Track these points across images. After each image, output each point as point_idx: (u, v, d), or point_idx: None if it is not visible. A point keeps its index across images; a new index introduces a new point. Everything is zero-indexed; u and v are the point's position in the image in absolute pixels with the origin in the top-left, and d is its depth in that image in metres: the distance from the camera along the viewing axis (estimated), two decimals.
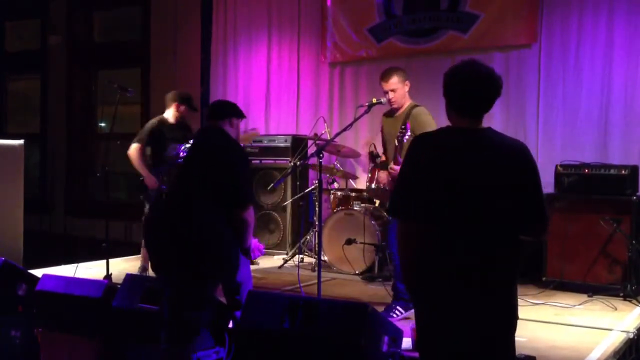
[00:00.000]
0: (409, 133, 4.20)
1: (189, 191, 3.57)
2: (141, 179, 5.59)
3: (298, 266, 5.42)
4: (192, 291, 3.42)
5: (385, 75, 4.58)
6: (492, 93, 2.50)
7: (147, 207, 5.58)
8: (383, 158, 4.87)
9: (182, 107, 5.67)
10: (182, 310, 3.39)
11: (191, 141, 4.07)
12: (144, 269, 5.65)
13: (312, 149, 6.59)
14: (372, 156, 5.98)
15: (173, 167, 5.36)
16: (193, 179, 3.62)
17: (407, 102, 4.62)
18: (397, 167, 4.27)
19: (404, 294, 4.41)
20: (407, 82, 4.61)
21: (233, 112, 4.01)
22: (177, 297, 3.43)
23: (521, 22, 6.46)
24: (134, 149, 5.58)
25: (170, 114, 5.69)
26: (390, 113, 4.72)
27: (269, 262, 6.69)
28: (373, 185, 5.80)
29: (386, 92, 4.58)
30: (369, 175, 5.93)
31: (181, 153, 3.64)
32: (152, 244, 3.74)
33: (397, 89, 4.55)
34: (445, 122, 2.64)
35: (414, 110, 4.52)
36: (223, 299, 3.90)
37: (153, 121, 5.74)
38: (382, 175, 4.73)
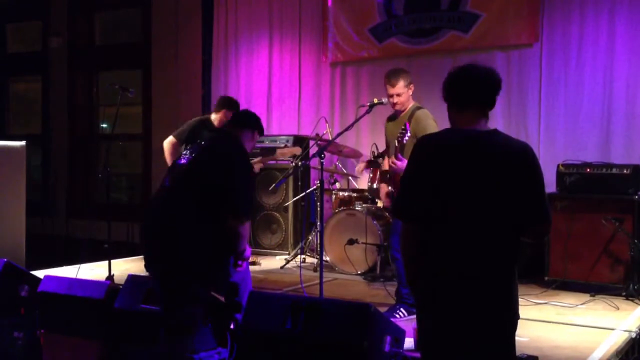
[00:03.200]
0: (408, 134, 4.16)
1: (180, 194, 3.47)
2: None
3: (300, 266, 5.42)
4: (180, 290, 3.40)
5: (391, 79, 4.53)
6: (486, 94, 2.50)
7: None
8: (386, 166, 4.84)
9: (230, 114, 5.44)
10: (173, 308, 3.37)
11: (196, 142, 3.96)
12: None
13: (313, 149, 6.59)
14: (374, 156, 5.99)
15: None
16: (190, 182, 3.50)
17: (410, 104, 4.61)
18: (398, 162, 4.22)
19: (408, 299, 4.41)
20: (412, 86, 4.60)
21: (257, 125, 3.86)
22: (167, 296, 3.42)
23: (522, 21, 6.46)
24: (167, 142, 5.50)
25: (216, 117, 5.60)
26: (393, 116, 4.71)
27: (270, 262, 6.69)
28: (375, 185, 5.81)
29: (391, 96, 4.55)
30: (371, 175, 5.95)
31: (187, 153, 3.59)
32: (142, 241, 3.67)
33: (402, 93, 4.53)
34: (447, 122, 2.65)
35: (417, 113, 4.51)
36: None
37: (195, 120, 5.63)
38: (383, 189, 4.74)
